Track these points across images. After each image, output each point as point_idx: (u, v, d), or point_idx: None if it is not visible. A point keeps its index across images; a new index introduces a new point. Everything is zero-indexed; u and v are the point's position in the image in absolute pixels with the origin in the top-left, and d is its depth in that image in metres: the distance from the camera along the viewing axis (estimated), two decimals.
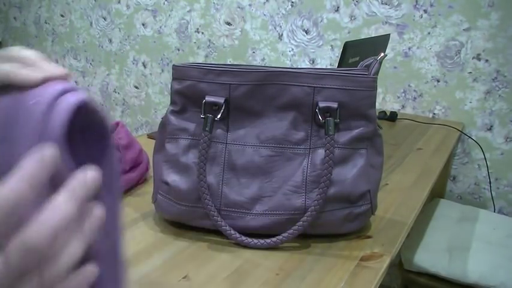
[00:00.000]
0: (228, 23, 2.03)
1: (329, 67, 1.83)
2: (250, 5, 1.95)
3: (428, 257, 1.21)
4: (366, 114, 0.70)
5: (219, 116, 0.69)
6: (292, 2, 1.84)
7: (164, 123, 0.74)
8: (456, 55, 1.56)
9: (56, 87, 0.29)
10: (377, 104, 1.74)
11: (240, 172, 0.70)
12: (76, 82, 2.68)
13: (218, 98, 0.69)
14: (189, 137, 0.71)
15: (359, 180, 0.70)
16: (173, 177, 0.71)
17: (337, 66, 1.02)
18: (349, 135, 0.70)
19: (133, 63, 2.39)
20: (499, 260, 1.18)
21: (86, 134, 0.32)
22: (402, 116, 1.63)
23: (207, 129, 0.68)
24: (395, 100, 1.71)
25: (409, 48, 1.64)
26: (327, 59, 1.82)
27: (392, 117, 1.57)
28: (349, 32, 1.75)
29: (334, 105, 0.68)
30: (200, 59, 2.16)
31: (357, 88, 0.69)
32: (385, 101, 1.74)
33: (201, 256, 0.67)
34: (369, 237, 0.74)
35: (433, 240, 1.28)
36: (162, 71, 2.30)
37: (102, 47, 2.49)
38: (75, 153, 0.31)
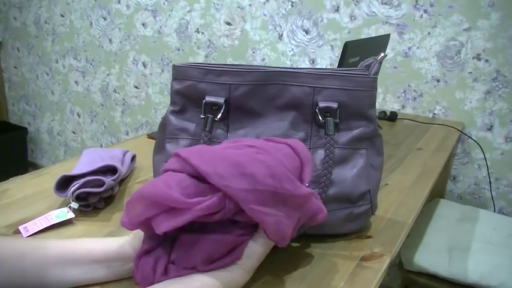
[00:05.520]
0: (228, 23, 2.03)
1: (329, 67, 1.83)
2: (250, 5, 1.95)
3: (428, 257, 1.21)
4: (366, 114, 0.70)
5: (219, 116, 0.69)
6: (292, 2, 1.84)
7: (164, 123, 0.74)
8: (456, 55, 1.57)
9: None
10: (377, 104, 1.75)
11: None
12: (76, 82, 2.68)
13: (218, 98, 0.69)
14: (189, 137, 0.71)
15: (359, 181, 0.70)
16: None
17: (337, 66, 1.02)
18: (349, 135, 0.70)
19: (133, 63, 2.40)
20: (499, 260, 1.18)
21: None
22: (402, 116, 1.63)
23: (207, 129, 0.68)
24: (395, 100, 1.72)
25: (409, 48, 1.64)
26: (327, 59, 1.82)
27: (392, 117, 1.57)
28: (349, 32, 1.75)
29: (334, 105, 0.68)
30: (200, 59, 2.16)
31: (357, 88, 0.68)
32: (385, 101, 1.74)
33: None
34: (369, 237, 0.74)
35: (433, 240, 1.28)
36: (162, 71, 2.30)
37: (102, 47, 2.49)
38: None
